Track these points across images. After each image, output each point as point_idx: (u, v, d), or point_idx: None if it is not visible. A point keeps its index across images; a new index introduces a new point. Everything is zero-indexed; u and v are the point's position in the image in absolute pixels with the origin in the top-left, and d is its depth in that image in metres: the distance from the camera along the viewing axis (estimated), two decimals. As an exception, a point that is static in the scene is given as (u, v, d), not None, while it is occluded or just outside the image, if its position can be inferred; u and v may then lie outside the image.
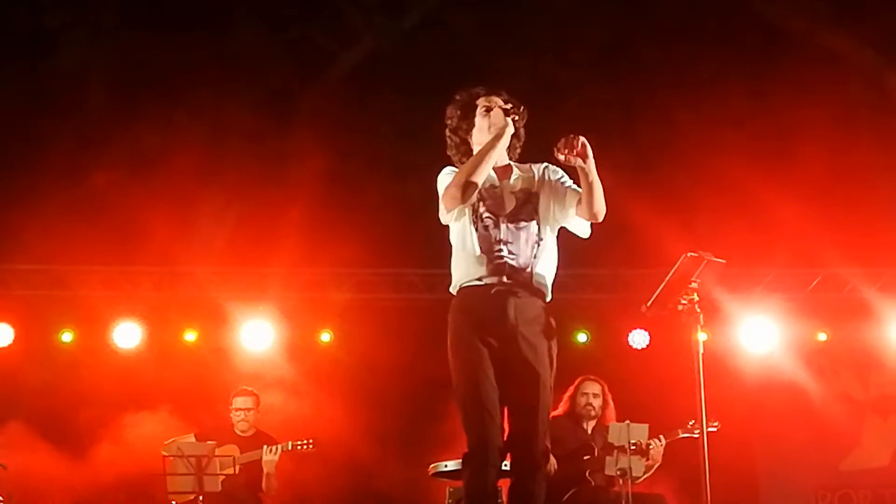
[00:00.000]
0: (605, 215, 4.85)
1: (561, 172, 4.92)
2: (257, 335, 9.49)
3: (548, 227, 4.88)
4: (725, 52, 8.94)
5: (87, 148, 8.46)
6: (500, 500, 4.91)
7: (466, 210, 4.77)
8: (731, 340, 9.60)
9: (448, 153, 4.95)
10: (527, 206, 4.85)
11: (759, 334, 9.66)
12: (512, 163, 4.93)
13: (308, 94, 8.18)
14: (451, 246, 4.87)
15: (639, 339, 9.77)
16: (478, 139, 4.87)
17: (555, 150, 4.71)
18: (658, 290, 5.30)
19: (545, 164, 4.94)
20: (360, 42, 6.89)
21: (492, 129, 4.81)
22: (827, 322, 9.88)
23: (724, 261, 5.24)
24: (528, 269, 4.80)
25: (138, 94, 8.38)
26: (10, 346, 9.34)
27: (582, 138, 4.68)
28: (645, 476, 7.53)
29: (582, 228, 4.95)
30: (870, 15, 9.23)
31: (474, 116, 4.89)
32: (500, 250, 4.75)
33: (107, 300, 9.39)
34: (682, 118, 8.78)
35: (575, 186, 4.87)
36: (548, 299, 4.92)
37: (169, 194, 8.56)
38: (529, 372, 4.74)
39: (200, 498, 7.60)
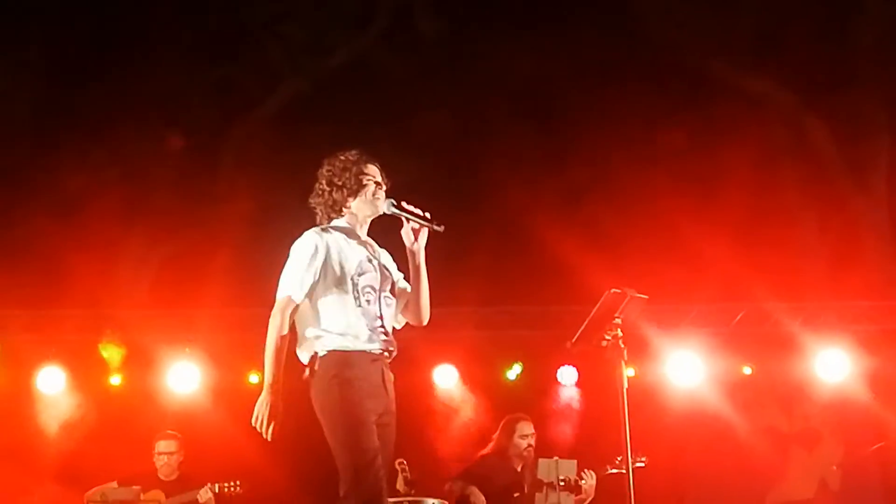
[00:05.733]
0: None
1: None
2: (183, 378, 9.38)
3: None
4: (653, 94, 9.07)
5: (9, 190, 8.35)
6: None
7: (344, 286, 4.82)
8: (657, 375, 9.68)
9: (312, 202, 4.99)
10: (393, 287, 5.00)
11: (684, 368, 9.74)
12: (369, 239, 5.05)
13: (234, 134, 8.15)
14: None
15: (567, 375, 9.81)
16: (360, 209, 4.95)
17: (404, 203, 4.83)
18: (583, 326, 5.36)
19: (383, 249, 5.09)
20: (285, 82, 6.87)
21: (373, 202, 4.91)
22: (751, 356, 10.00)
23: (646, 296, 5.31)
24: (393, 340, 4.96)
25: (60, 136, 8.29)
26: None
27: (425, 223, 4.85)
28: (577, 511, 7.55)
29: (400, 322, 5.11)
30: (789, 58, 9.42)
31: (362, 186, 4.95)
32: (380, 326, 4.87)
33: (30, 343, 9.24)
34: (611, 158, 8.89)
35: (406, 286, 5.04)
36: None
37: (93, 237, 8.46)
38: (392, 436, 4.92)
39: (126, 544, 7.49)
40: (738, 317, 9.82)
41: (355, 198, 4.94)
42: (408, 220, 4.88)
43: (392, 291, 4.98)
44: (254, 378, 9.60)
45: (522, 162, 8.93)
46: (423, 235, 4.90)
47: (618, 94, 9.01)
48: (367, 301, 4.83)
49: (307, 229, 4.90)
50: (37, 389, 9.25)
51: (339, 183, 4.93)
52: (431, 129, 8.52)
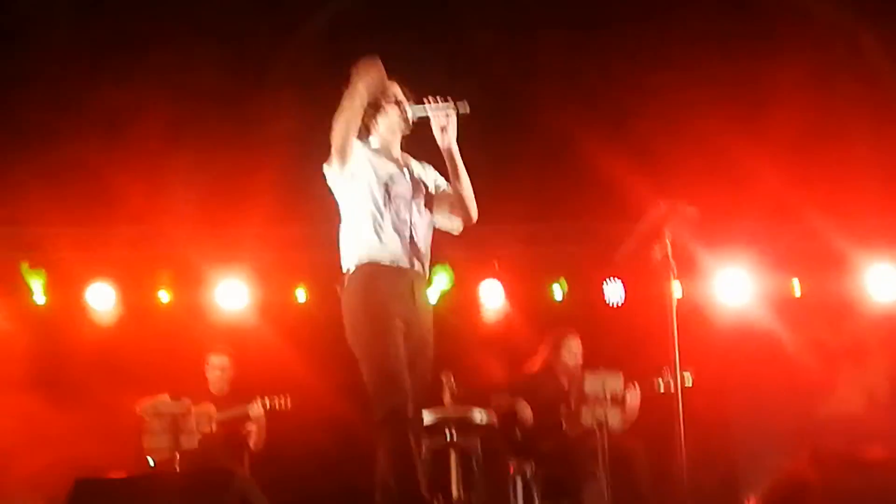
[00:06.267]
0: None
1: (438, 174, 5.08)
2: (232, 295, 9.46)
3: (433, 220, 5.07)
4: (702, 9, 8.90)
5: (58, 111, 8.37)
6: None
7: (374, 187, 4.80)
8: (705, 292, 9.64)
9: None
10: (426, 195, 5.00)
11: (733, 286, 9.70)
12: (402, 154, 5.07)
13: (281, 51, 8.09)
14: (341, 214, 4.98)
15: (614, 291, 9.78)
16: (384, 127, 4.99)
17: (424, 99, 4.82)
18: (631, 239, 5.33)
19: (424, 163, 5.09)
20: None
21: (399, 119, 4.96)
22: (801, 273, 9.93)
23: (695, 208, 5.26)
24: (428, 253, 4.98)
25: (106, 53, 8.27)
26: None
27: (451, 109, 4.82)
28: (621, 427, 7.58)
29: (455, 227, 5.09)
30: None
31: (382, 104, 4.97)
32: (410, 238, 4.88)
33: (79, 261, 9.35)
34: (659, 75, 8.76)
35: (446, 186, 5.04)
36: None
37: (140, 154, 8.47)
38: (427, 351, 4.96)
39: (177, 455, 7.62)
40: (789, 234, 9.73)
41: (374, 119, 4.95)
42: (434, 118, 4.86)
43: (428, 204, 4.95)
44: (301, 295, 9.68)
45: (570, 78, 8.82)
46: (452, 126, 4.86)
47: (667, 10, 8.85)
48: (398, 213, 4.82)
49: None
50: (87, 305, 9.38)
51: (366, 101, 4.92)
52: (481, 45, 8.43)
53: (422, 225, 4.96)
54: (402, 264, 4.84)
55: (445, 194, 5.01)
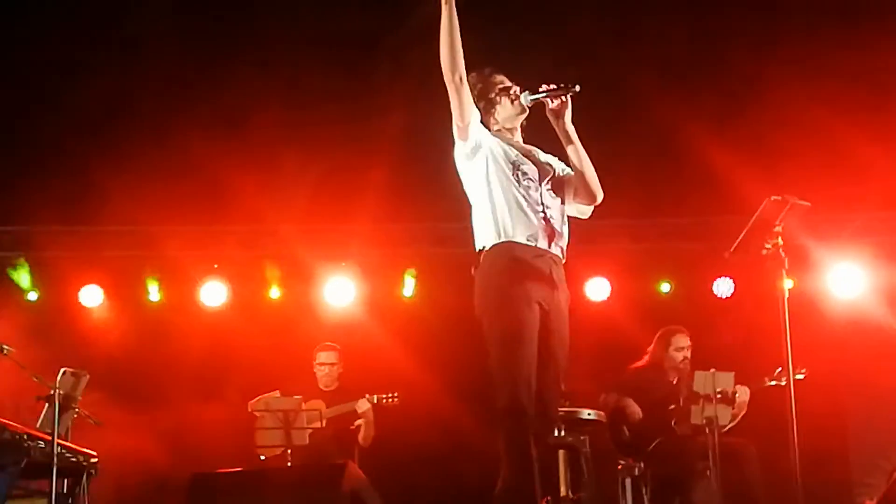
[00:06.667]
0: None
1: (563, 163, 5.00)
2: (340, 291, 9.57)
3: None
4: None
5: (169, 109, 8.53)
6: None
7: (502, 164, 4.78)
8: (817, 286, 9.46)
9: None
10: (556, 180, 4.91)
11: (846, 280, 9.50)
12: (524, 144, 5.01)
13: (389, 45, 8.13)
14: (471, 199, 4.90)
15: (723, 287, 9.67)
16: (503, 118, 4.93)
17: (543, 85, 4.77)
18: (742, 234, 5.26)
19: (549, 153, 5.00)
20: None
21: (515, 104, 4.91)
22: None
23: (808, 203, 5.17)
24: (564, 236, 4.87)
25: (216, 52, 8.40)
26: (100, 306, 9.56)
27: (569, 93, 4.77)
28: (731, 425, 7.49)
29: (582, 211, 5.01)
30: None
31: (492, 96, 4.93)
32: (544, 213, 4.79)
33: (193, 259, 9.54)
34: (768, 64, 8.62)
35: (569, 172, 4.95)
36: None
37: (251, 153, 8.62)
38: (564, 338, 4.84)
39: (289, 451, 7.73)
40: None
41: (491, 113, 4.94)
42: (548, 102, 4.84)
43: (559, 190, 4.91)
44: (407, 291, 9.75)
45: (678, 70, 8.72)
46: (567, 110, 4.83)
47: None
48: (528, 192, 4.79)
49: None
50: (200, 303, 9.56)
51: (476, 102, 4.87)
52: (585, 35, 8.36)
53: (555, 207, 4.84)
54: (539, 244, 4.72)
55: (570, 179, 4.94)
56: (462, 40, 4.66)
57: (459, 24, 4.65)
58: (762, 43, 8.65)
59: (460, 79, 4.65)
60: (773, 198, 5.16)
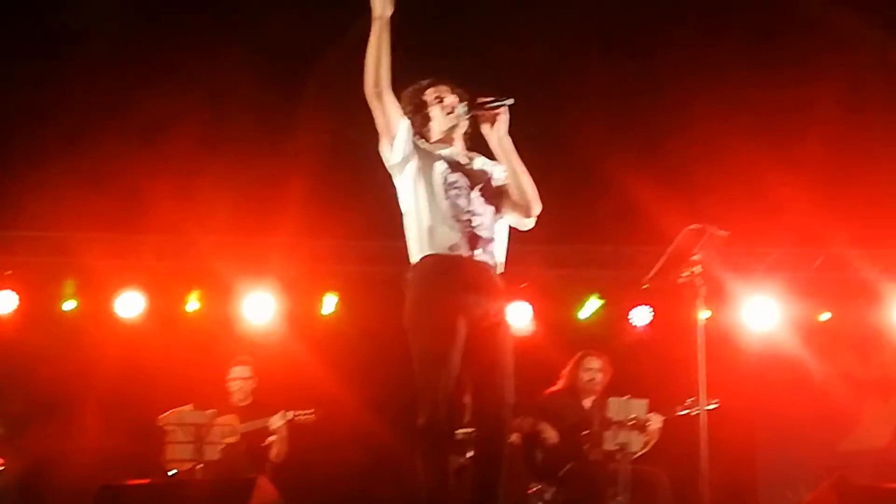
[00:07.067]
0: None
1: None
2: (259, 307, 9.49)
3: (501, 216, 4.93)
4: (732, 32, 8.88)
5: (91, 116, 8.42)
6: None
7: (427, 175, 4.78)
8: (732, 318, 9.59)
9: None
10: (490, 188, 4.89)
11: (761, 313, 9.65)
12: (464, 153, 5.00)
13: (316, 63, 8.12)
14: (401, 211, 4.89)
15: (641, 315, 9.76)
16: (437, 128, 4.94)
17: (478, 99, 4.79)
18: (659, 263, 5.31)
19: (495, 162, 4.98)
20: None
21: (448, 116, 4.91)
22: (829, 302, 9.87)
23: (727, 232, 5.23)
24: (495, 242, 4.84)
25: (140, 61, 8.33)
26: (13, 312, 9.37)
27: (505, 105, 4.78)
28: (643, 452, 7.54)
29: (520, 222, 4.97)
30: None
31: (426, 109, 4.94)
32: (469, 221, 4.77)
33: (110, 268, 9.39)
34: (691, 98, 8.74)
35: (504, 180, 4.94)
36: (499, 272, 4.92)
37: (172, 162, 8.52)
38: (498, 344, 4.76)
39: (199, 466, 7.62)
40: (818, 262, 9.68)
41: (426, 125, 4.95)
42: (482, 114, 4.85)
43: (493, 196, 4.88)
44: (326, 309, 9.70)
45: (601, 101, 8.81)
46: (502, 121, 4.83)
47: (699, 35, 8.84)
48: (456, 203, 4.77)
49: (383, 162, 4.89)
50: (115, 313, 9.41)
51: (409, 118, 4.90)
52: (514, 64, 8.42)
53: (486, 214, 4.82)
54: (462, 252, 4.70)
55: (509, 189, 4.91)
56: (393, 57, 4.68)
57: (395, 41, 4.66)
58: (684, 76, 8.77)
59: (380, 93, 4.67)
60: (691, 226, 5.22)
